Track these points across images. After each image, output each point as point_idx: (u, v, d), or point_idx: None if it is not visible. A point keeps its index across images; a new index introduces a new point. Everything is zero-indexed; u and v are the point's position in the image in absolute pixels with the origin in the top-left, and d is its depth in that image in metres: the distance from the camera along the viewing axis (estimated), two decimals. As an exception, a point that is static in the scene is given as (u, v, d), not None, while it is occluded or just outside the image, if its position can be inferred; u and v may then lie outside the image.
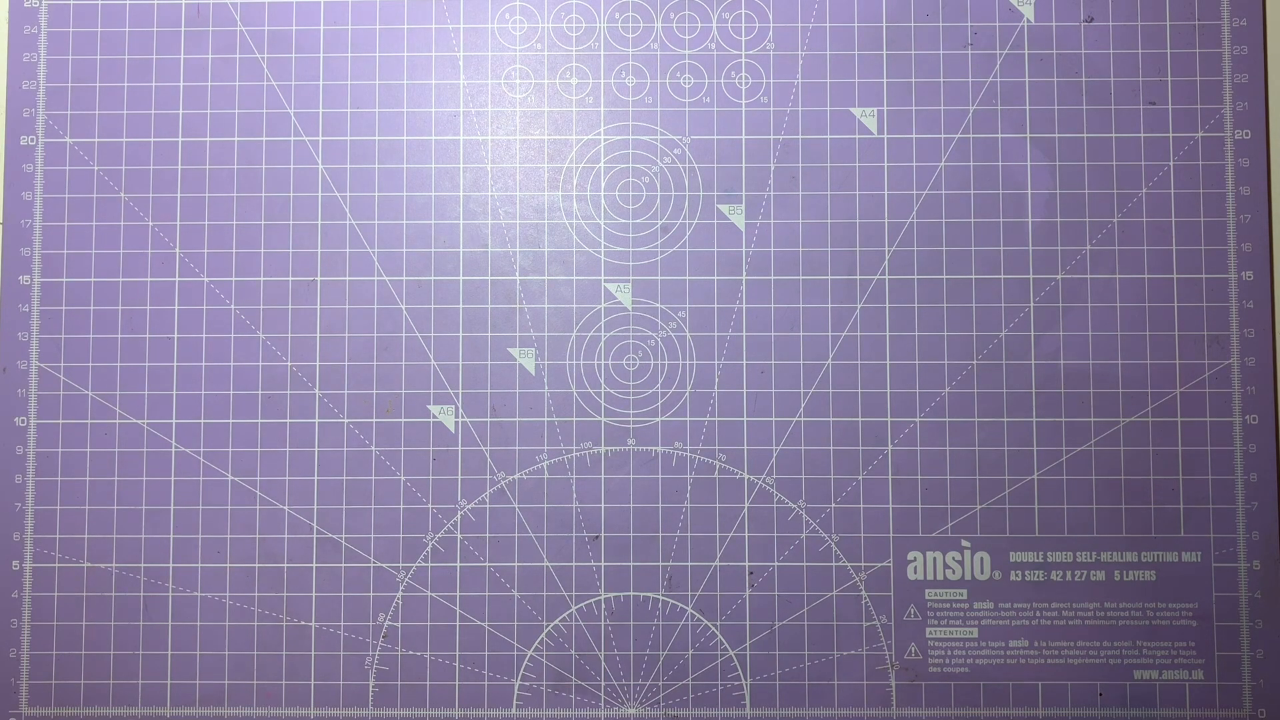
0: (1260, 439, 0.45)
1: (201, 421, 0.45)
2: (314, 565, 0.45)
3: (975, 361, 0.45)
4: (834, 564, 0.45)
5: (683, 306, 0.46)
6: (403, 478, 0.45)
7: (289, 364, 0.46)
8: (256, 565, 0.45)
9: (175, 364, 0.45)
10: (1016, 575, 0.45)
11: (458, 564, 0.45)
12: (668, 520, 0.45)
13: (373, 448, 0.45)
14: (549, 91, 0.46)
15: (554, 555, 0.45)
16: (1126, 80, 0.46)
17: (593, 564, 0.45)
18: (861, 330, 0.45)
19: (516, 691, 0.45)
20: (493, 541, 0.45)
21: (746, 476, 0.45)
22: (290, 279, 0.46)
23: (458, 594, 0.45)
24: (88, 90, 0.46)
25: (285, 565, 0.45)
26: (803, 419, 0.45)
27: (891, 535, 0.45)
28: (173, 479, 0.45)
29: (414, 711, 0.44)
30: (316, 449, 0.45)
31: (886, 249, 0.45)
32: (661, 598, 0.45)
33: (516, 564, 0.45)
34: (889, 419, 0.45)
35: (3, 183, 0.46)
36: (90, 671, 0.45)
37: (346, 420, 0.45)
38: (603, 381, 0.45)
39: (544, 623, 0.45)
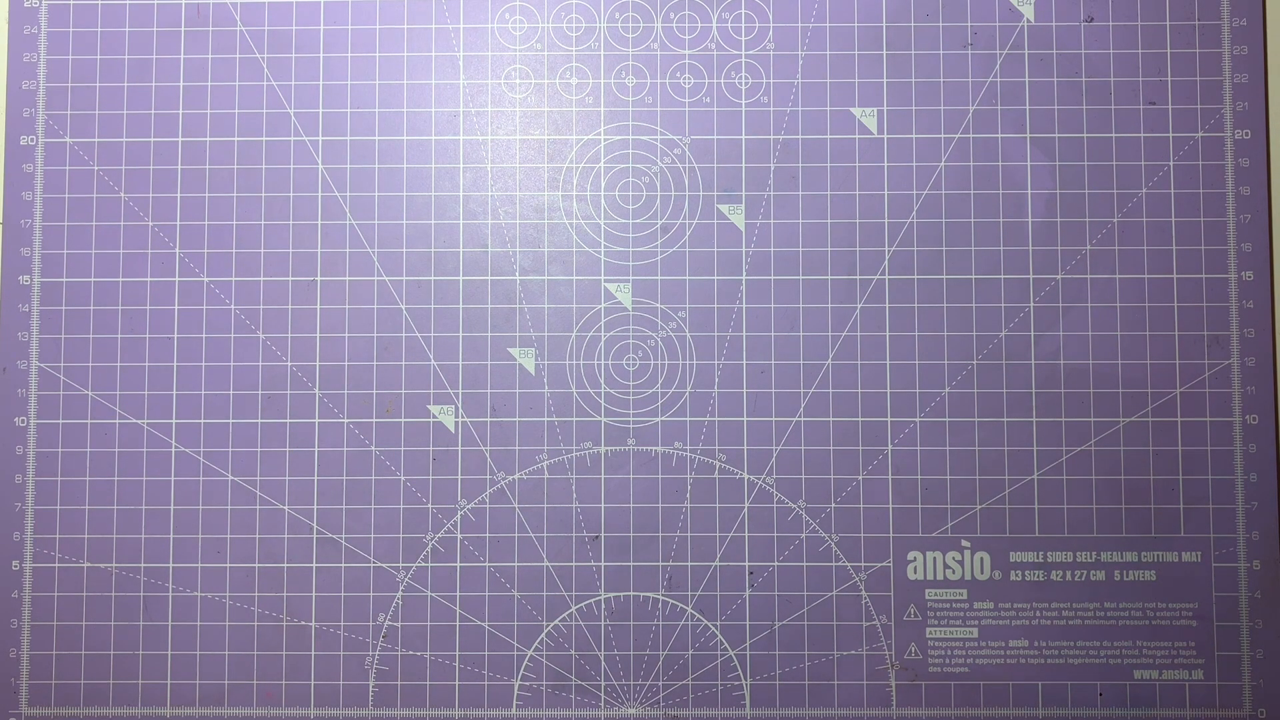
0: (1260, 439, 0.45)
1: (201, 421, 0.45)
2: (314, 565, 0.45)
3: (975, 361, 0.45)
4: (834, 564, 0.45)
5: (683, 306, 0.46)
6: (403, 478, 0.45)
7: (289, 364, 0.46)
8: (256, 565, 0.45)
9: (175, 364, 0.46)
10: (1016, 575, 0.45)
11: (458, 564, 0.45)
12: (668, 520, 0.45)
13: (373, 448, 0.45)
14: (549, 91, 0.46)
15: (554, 555, 0.45)
16: (1126, 80, 0.46)
17: (593, 564, 0.45)
18: (861, 330, 0.45)
19: (516, 691, 0.45)
20: (493, 541, 0.45)
21: (746, 476, 0.45)
22: (290, 279, 0.46)
23: (458, 594, 0.45)
24: (88, 90, 0.46)
25: (285, 565, 0.45)
26: (803, 419, 0.45)
27: (891, 535, 0.45)
28: (173, 479, 0.45)
29: (414, 711, 0.44)
30: (316, 449, 0.45)
31: (886, 249, 0.45)
32: (661, 598, 0.45)
33: (516, 564, 0.45)
34: (889, 419, 0.45)
35: (3, 183, 0.46)
36: (90, 671, 0.45)
37: (346, 420, 0.45)
38: (603, 381, 0.45)
39: (544, 623, 0.45)
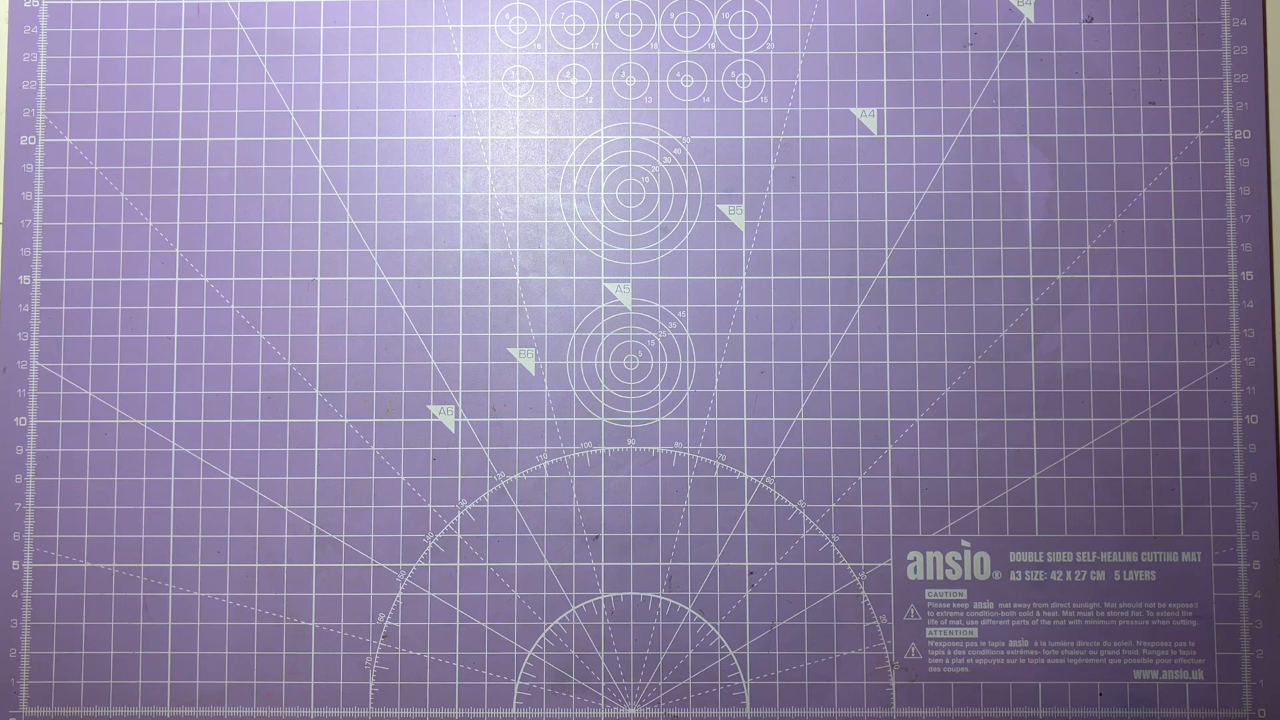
0: (1260, 439, 0.45)
1: (201, 421, 0.45)
2: (314, 565, 0.45)
3: (975, 361, 0.45)
4: (834, 564, 0.45)
5: (683, 306, 0.46)
6: (403, 478, 0.45)
7: (289, 364, 0.46)
8: (256, 565, 0.45)
9: (175, 364, 0.46)
10: (1016, 575, 0.45)
11: (458, 564, 0.45)
12: (668, 520, 0.45)
13: (373, 448, 0.45)
14: (549, 91, 0.46)
15: (554, 555, 0.45)
16: (1126, 80, 0.46)
17: (593, 564, 0.45)
18: (861, 330, 0.45)
19: (516, 691, 0.45)
20: (493, 541, 0.45)
21: (746, 476, 0.45)
22: (290, 279, 0.46)
23: (458, 594, 0.45)
24: (88, 90, 0.46)
25: (285, 565, 0.45)
26: (803, 419, 0.45)
27: (891, 535, 0.45)
28: (173, 479, 0.45)
29: (414, 711, 0.44)
30: (316, 449, 0.45)
31: (886, 249, 0.45)
32: (661, 598, 0.45)
33: (516, 564, 0.45)
34: (889, 419, 0.45)
35: (3, 183, 0.46)
36: (90, 671, 0.45)
37: (346, 420, 0.45)
38: (603, 381, 0.45)
39: (544, 623, 0.45)
